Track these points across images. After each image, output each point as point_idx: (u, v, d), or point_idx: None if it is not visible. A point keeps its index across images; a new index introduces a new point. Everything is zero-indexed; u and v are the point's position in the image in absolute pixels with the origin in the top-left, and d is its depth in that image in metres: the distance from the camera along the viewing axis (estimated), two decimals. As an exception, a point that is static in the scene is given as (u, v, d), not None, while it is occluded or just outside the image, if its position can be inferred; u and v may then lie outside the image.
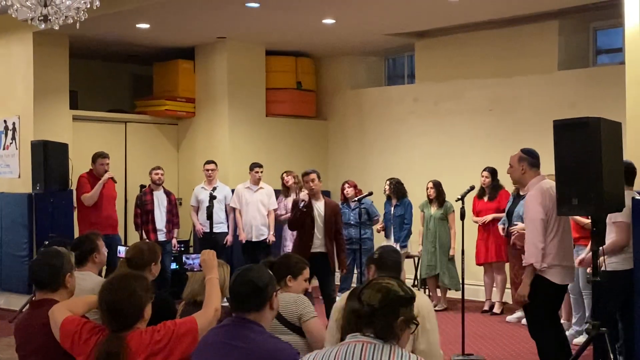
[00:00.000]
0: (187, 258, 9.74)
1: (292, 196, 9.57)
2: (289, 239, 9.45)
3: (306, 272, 4.32)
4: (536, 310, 5.57)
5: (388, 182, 9.69)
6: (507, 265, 9.02)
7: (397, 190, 9.64)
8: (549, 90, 9.68)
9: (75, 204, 9.70)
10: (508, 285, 9.08)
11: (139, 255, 4.40)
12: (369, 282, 2.76)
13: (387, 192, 9.66)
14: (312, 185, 7.76)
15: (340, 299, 3.99)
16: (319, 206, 7.77)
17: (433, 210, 9.43)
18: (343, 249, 7.86)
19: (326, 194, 10.90)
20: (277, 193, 10.00)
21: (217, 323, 3.49)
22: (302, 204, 7.73)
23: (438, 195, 9.37)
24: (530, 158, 5.58)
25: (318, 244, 7.69)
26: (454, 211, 9.25)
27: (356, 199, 9.37)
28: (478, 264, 9.14)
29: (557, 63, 9.69)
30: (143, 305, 3.22)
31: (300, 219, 7.74)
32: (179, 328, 3.26)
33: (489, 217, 9.00)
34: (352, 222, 9.57)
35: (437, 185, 9.39)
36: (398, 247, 9.63)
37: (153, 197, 9.60)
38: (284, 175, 9.97)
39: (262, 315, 3.16)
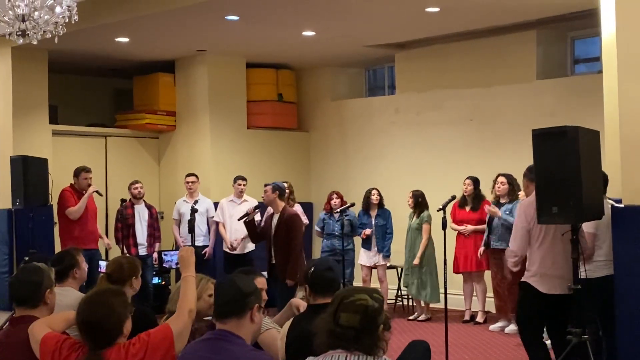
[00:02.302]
0: (165, 255, 9.76)
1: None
2: None
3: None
4: (525, 319, 5.68)
5: (377, 192, 9.70)
6: (487, 273, 9.06)
7: (381, 200, 9.69)
8: (528, 99, 9.75)
9: (55, 219, 9.64)
10: (489, 294, 9.12)
11: (118, 269, 4.38)
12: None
13: (375, 202, 9.67)
14: (262, 196, 7.98)
15: (286, 324, 3.94)
16: (275, 218, 7.81)
17: (413, 220, 9.47)
18: (291, 260, 7.54)
19: (309, 205, 10.94)
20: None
21: (199, 335, 3.46)
22: (245, 216, 7.92)
23: (416, 205, 9.39)
24: (529, 174, 5.84)
25: (274, 255, 7.77)
26: (427, 221, 9.28)
27: (338, 210, 9.38)
28: (455, 272, 9.14)
29: (536, 72, 9.77)
30: (122, 322, 3.17)
31: (248, 230, 7.98)
32: (153, 338, 3.22)
33: (470, 228, 9.02)
34: (335, 233, 9.59)
35: (417, 196, 9.41)
36: (381, 257, 9.66)
37: (134, 211, 9.57)
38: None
39: (242, 324, 3.14)
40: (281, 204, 7.84)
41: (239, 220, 8.28)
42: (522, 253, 5.58)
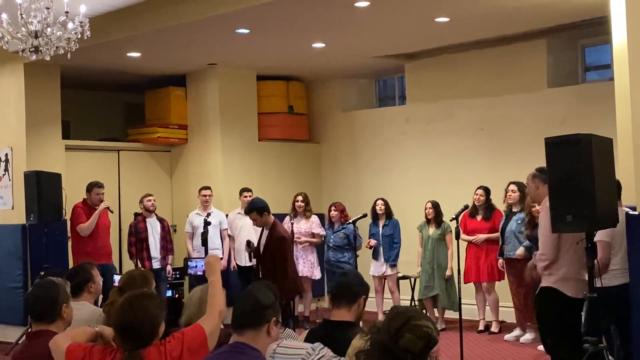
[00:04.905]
0: (190, 261, 9.78)
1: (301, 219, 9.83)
2: None
3: None
4: (551, 326, 5.59)
5: (382, 202, 9.70)
6: (497, 284, 9.01)
7: (389, 210, 9.69)
8: (539, 108, 9.73)
9: (69, 234, 9.69)
10: (502, 303, 9.07)
11: (131, 282, 4.39)
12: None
13: (381, 212, 9.67)
14: (254, 224, 7.96)
15: (301, 336, 3.91)
16: (264, 235, 7.79)
17: (431, 230, 9.44)
18: (278, 283, 7.30)
19: (320, 216, 10.92)
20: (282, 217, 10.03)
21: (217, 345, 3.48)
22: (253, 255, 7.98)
23: (436, 216, 9.38)
24: (543, 175, 5.67)
25: (260, 272, 7.77)
26: (451, 231, 9.24)
27: (351, 220, 9.38)
28: (466, 282, 9.09)
29: (547, 81, 9.75)
30: (158, 323, 3.25)
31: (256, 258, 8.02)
32: (187, 335, 3.32)
33: (482, 237, 8.99)
34: (330, 245, 9.64)
35: (436, 206, 9.40)
36: (388, 267, 9.64)
37: (146, 225, 9.60)
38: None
39: (258, 336, 3.15)
40: (271, 220, 7.73)
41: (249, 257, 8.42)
42: (555, 257, 5.49)
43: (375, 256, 9.75)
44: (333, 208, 9.85)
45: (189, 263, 9.72)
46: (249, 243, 7.97)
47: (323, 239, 9.96)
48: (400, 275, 10.03)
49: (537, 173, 5.78)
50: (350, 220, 9.35)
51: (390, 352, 2.53)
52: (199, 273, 9.67)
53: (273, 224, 7.71)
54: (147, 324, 3.20)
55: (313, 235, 9.89)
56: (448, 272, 9.28)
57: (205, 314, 3.49)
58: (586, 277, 5.33)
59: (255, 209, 7.68)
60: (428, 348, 2.55)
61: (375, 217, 9.75)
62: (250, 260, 8.13)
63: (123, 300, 3.32)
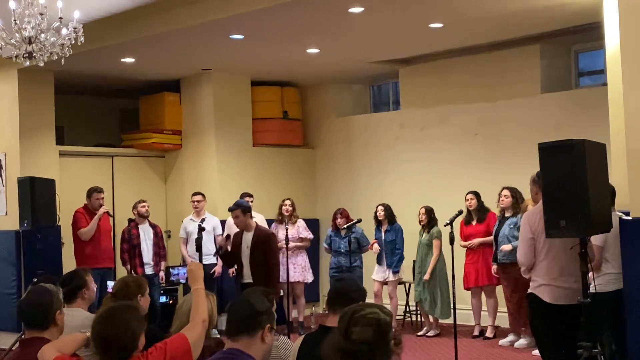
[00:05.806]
0: (173, 269, 9.83)
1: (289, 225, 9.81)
2: None
3: None
4: (539, 332, 5.64)
5: (382, 207, 9.69)
6: (497, 288, 9.03)
7: (389, 215, 9.68)
8: (533, 113, 9.75)
9: (63, 240, 9.69)
10: (500, 308, 9.07)
11: (124, 289, 4.39)
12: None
13: (381, 217, 9.66)
14: (235, 222, 7.98)
15: (296, 342, 3.93)
16: (248, 237, 7.80)
17: (423, 236, 9.45)
18: (272, 281, 7.52)
19: (315, 221, 10.94)
20: (270, 222, 10.02)
21: (208, 353, 3.46)
22: (221, 251, 8.03)
23: (429, 221, 9.38)
24: (539, 180, 5.65)
25: (247, 274, 7.77)
26: (437, 237, 9.26)
27: (345, 226, 9.37)
28: (466, 288, 9.11)
29: (540, 86, 9.77)
30: (137, 336, 3.19)
31: (224, 261, 8.27)
32: (170, 345, 3.27)
33: (476, 242, 9.00)
34: (342, 251, 9.60)
35: (429, 211, 9.40)
36: (390, 273, 9.64)
37: (139, 231, 9.61)
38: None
39: (252, 343, 3.13)
40: (253, 223, 7.86)
41: (214, 255, 8.63)
42: (529, 263, 5.53)
43: (379, 261, 9.76)
44: (339, 215, 9.82)
45: (171, 270, 9.78)
46: (220, 248, 8.02)
47: (328, 245, 9.95)
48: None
49: (536, 178, 5.79)
50: (345, 226, 9.36)
51: (348, 352, 2.51)
52: (182, 280, 9.72)
53: (256, 225, 7.87)
54: (126, 336, 3.13)
55: (301, 240, 9.91)
56: (426, 277, 9.26)
57: (189, 322, 3.45)
58: (565, 284, 5.36)
59: (241, 207, 7.79)
60: (381, 332, 2.53)
61: (377, 222, 9.75)
62: (222, 265, 8.18)
63: (100, 314, 3.28)
